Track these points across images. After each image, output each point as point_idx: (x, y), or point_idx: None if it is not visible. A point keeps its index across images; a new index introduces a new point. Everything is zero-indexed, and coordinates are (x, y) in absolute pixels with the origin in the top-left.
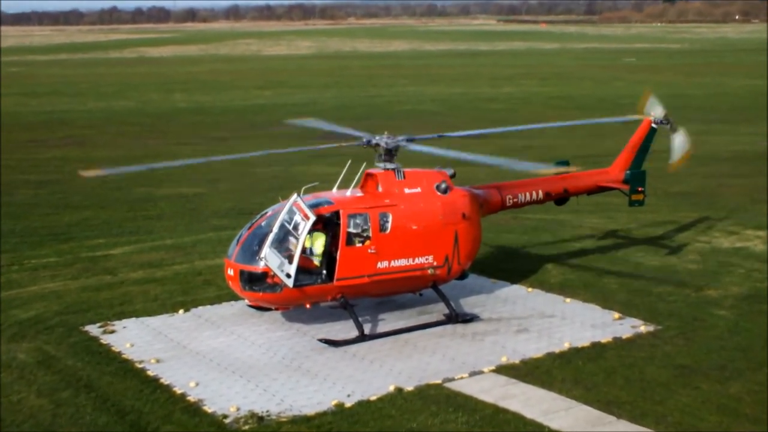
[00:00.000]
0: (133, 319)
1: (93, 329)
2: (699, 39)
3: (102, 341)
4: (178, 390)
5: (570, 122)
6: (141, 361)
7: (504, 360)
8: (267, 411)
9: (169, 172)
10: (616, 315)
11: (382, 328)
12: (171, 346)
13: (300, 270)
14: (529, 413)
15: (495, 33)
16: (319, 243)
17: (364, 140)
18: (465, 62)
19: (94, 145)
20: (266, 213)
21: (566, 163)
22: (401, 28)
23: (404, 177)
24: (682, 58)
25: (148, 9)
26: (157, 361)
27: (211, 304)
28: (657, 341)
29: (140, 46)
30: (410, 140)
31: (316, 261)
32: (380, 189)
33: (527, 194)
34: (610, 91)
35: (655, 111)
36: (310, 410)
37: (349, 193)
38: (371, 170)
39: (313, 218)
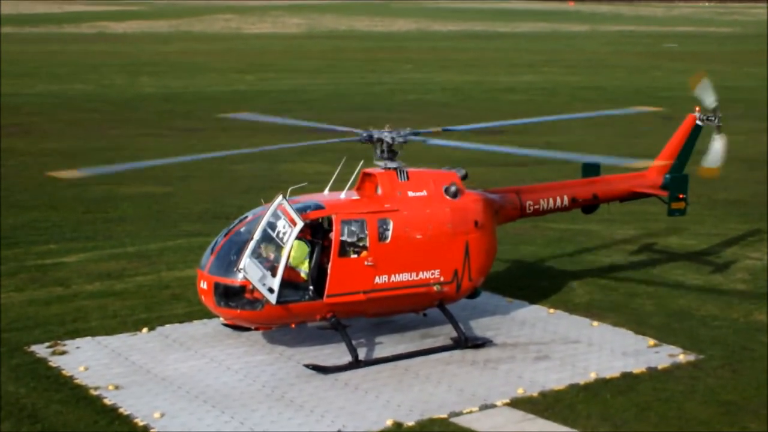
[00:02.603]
0: (88, 338)
1: (40, 350)
2: (753, 21)
3: (51, 364)
4: (140, 421)
5: (598, 113)
6: (96, 388)
7: (520, 392)
8: None
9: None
10: (651, 341)
11: (379, 353)
12: (132, 371)
13: (284, 284)
14: None
15: (515, 12)
16: (307, 253)
17: (364, 135)
18: (479, 45)
19: (43, 135)
20: (246, 217)
21: (596, 166)
22: (406, 5)
23: (408, 178)
24: (732, 44)
25: None
26: (116, 387)
27: (180, 322)
28: (698, 373)
29: (101, 20)
30: (415, 134)
31: (304, 274)
32: (379, 191)
33: (550, 200)
34: (647, 81)
35: (707, 99)
36: None
37: (343, 195)
38: (369, 169)
39: (300, 224)
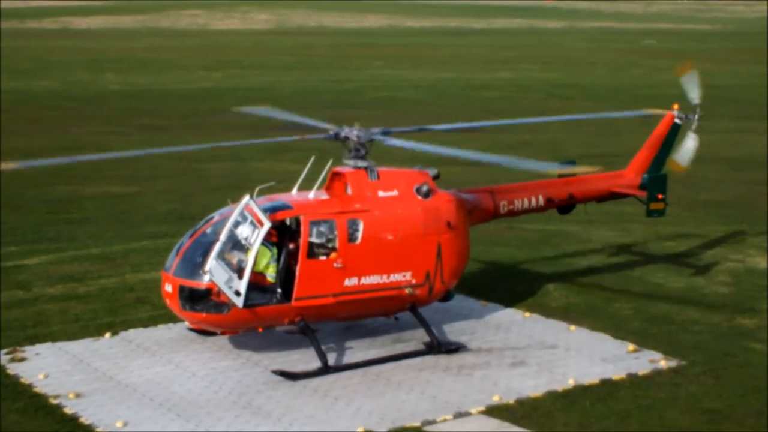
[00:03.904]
0: (49, 344)
1: None
2: (734, 19)
3: (9, 371)
4: (102, 431)
5: (580, 115)
6: (57, 396)
7: (496, 399)
8: None
9: (96, 167)
10: (631, 347)
11: (349, 358)
12: (94, 378)
13: (252, 287)
14: None
15: (491, 8)
16: (274, 255)
17: (332, 132)
18: (454, 42)
19: (6, 133)
20: (212, 218)
21: (572, 164)
22: (377, 0)
23: (378, 177)
24: (713, 42)
25: None
26: (77, 395)
27: (145, 326)
28: (680, 379)
29: (64, 14)
30: (386, 133)
31: (271, 276)
32: (349, 191)
33: (525, 200)
34: (626, 79)
35: (691, 92)
36: None
37: (311, 195)
38: (339, 169)
39: (268, 225)
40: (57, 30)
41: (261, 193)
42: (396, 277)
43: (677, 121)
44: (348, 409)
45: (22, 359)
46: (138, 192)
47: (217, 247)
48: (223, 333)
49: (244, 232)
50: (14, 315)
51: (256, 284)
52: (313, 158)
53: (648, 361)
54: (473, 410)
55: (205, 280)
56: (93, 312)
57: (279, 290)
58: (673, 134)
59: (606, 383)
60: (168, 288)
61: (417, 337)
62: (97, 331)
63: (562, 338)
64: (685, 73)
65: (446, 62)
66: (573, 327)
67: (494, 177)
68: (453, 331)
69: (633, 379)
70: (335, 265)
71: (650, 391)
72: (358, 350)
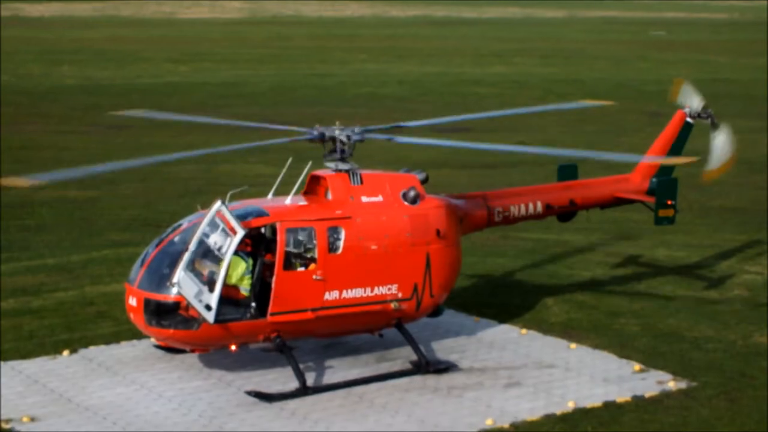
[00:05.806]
0: (0, 363)
1: None
2: (751, 7)
3: None
4: None
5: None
6: (9, 420)
7: (489, 423)
8: None
9: (50, 167)
10: (637, 366)
11: (329, 378)
12: (50, 400)
13: (223, 301)
14: None
15: None
16: (248, 266)
17: (315, 133)
18: (443, 33)
19: None
20: (180, 226)
21: (573, 167)
22: None
23: (362, 181)
24: (728, 33)
25: None
26: (32, 419)
27: (106, 343)
28: (691, 402)
29: (14, 0)
30: (366, 132)
31: (245, 289)
32: (330, 196)
33: (522, 206)
34: (631, 74)
35: (691, 102)
36: None
37: (288, 200)
38: (318, 172)
39: (241, 233)
40: (6, 18)
41: (234, 198)
42: (381, 291)
43: (689, 120)
44: None
45: None
46: (97, 196)
47: (186, 257)
48: (192, 351)
49: (215, 240)
50: None
51: (229, 298)
52: (290, 160)
53: (656, 382)
54: None
55: (172, 293)
56: (49, 328)
57: (253, 304)
58: (685, 134)
59: (609, 406)
60: (132, 301)
61: (403, 356)
62: (54, 349)
63: (561, 357)
64: (678, 92)
65: (433, 55)
66: (573, 345)
67: (488, 181)
68: (442, 349)
69: (639, 402)
70: (314, 277)
71: (658, 415)
72: (339, 369)
